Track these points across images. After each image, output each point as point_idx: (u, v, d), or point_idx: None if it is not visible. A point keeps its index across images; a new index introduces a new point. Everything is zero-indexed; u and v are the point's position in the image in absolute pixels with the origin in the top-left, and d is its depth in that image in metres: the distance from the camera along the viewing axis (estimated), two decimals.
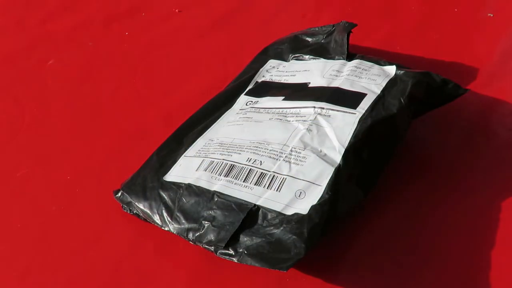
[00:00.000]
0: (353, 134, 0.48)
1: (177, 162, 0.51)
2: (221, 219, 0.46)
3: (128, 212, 0.51)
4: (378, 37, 0.66)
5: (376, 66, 0.55)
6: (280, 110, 0.52)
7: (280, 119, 0.51)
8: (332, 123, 0.49)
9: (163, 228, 0.48)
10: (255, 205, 0.45)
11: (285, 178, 0.46)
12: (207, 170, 0.48)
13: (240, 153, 0.49)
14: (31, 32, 0.71)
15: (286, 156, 0.48)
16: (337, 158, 0.47)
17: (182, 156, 0.51)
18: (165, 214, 0.48)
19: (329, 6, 0.72)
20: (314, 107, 0.51)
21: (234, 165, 0.48)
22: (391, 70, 0.54)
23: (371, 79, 0.53)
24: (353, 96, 0.51)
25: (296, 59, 0.59)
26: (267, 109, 0.53)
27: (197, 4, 0.73)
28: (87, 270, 0.48)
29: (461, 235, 0.48)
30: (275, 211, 0.45)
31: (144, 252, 0.49)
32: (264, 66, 0.59)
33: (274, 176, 0.47)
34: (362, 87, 0.52)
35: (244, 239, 0.44)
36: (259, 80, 0.58)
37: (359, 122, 0.49)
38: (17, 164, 0.56)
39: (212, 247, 0.45)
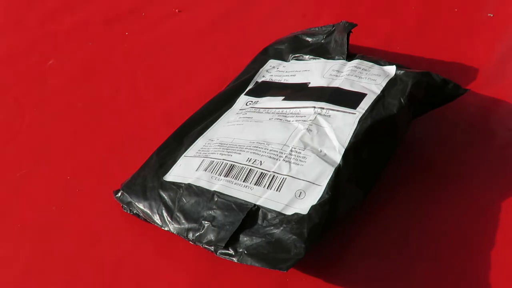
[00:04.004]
0: (353, 134, 0.48)
1: (177, 162, 0.51)
2: (221, 219, 0.46)
3: (128, 212, 0.51)
4: (378, 37, 0.66)
5: (376, 66, 0.55)
6: (280, 110, 0.52)
7: (280, 119, 0.51)
8: (332, 123, 0.49)
9: (163, 228, 0.48)
10: (255, 205, 0.45)
11: (285, 178, 0.46)
12: (207, 170, 0.48)
13: (240, 153, 0.49)
14: (31, 32, 0.71)
15: (286, 156, 0.48)
16: (337, 158, 0.47)
17: (182, 156, 0.51)
18: (165, 214, 0.48)
19: (329, 6, 0.72)
20: (314, 107, 0.51)
21: (234, 165, 0.48)
22: (391, 70, 0.54)
23: (371, 79, 0.53)
24: (353, 96, 0.51)
25: (296, 59, 0.59)
26: (267, 109, 0.53)
27: (197, 4, 0.73)
28: (87, 270, 0.48)
29: (462, 235, 0.48)
30: (275, 211, 0.45)
31: (144, 252, 0.49)
32: (264, 66, 0.59)
33: (274, 176, 0.47)
34: (362, 87, 0.52)
35: (244, 239, 0.44)
36: (259, 80, 0.58)
37: (359, 122, 0.49)
38: (17, 164, 0.56)
39: (212, 247, 0.45)
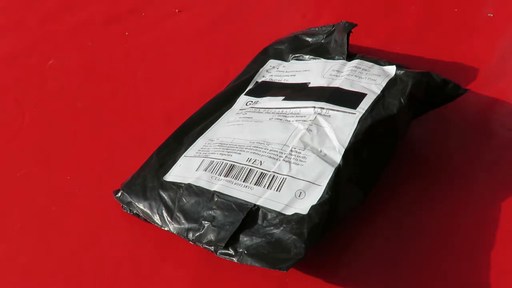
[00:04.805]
0: (353, 134, 0.48)
1: (177, 162, 0.51)
2: (221, 219, 0.46)
3: (128, 212, 0.51)
4: (378, 37, 0.66)
5: (376, 66, 0.55)
6: (280, 110, 0.52)
7: (280, 119, 0.51)
8: (332, 123, 0.49)
9: (163, 228, 0.48)
10: (255, 205, 0.45)
11: (285, 178, 0.46)
12: (207, 170, 0.48)
13: (240, 153, 0.49)
14: (31, 32, 0.71)
15: (286, 156, 0.48)
16: (337, 158, 0.47)
17: (182, 156, 0.51)
18: (165, 214, 0.48)
19: (329, 6, 0.72)
20: (314, 107, 0.51)
21: (234, 165, 0.48)
22: (391, 70, 0.54)
23: (371, 79, 0.53)
24: (353, 96, 0.51)
25: (296, 59, 0.59)
26: (267, 109, 0.53)
27: (197, 4, 0.73)
28: (87, 270, 0.48)
29: (461, 235, 0.48)
30: (275, 211, 0.45)
31: (144, 252, 0.49)
32: (264, 66, 0.59)
33: (274, 176, 0.47)
34: (362, 87, 0.52)
35: (244, 239, 0.44)
36: (259, 80, 0.58)
37: (359, 122, 0.49)
38: (17, 164, 0.56)
39: (212, 247, 0.45)
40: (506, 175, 0.51)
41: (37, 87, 0.64)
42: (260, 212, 0.45)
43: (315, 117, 0.50)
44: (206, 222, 0.46)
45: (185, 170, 0.50)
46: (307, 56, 0.59)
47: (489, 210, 0.49)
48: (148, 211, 0.48)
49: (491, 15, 0.67)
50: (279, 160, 0.48)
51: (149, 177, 0.50)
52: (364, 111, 0.50)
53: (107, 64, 0.66)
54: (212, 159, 0.49)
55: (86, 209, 0.52)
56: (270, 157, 0.48)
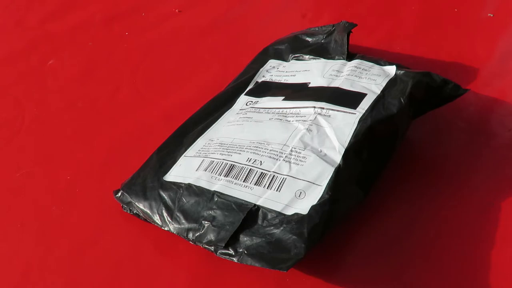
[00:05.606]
0: (353, 134, 0.48)
1: (177, 162, 0.51)
2: (221, 219, 0.46)
3: (128, 212, 0.51)
4: (378, 37, 0.66)
5: (376, 66, 0.55)
6: (280, 110, 0.52)
7: (280, 119, 0.51)
8: (332, 123, 0.49)
9: (163, 228, 0.48)
10: (255, 205, 0.45)
11: (285, 178, 0.46)
12: (207, 170, 0.48)
13: (240, 153, 0.49)
14: (31, 32, 0.71)
15: (286, 156, 0.48)
16: (337, 158, 0.47)
17: (182, 156, 0.51)
18: (165, 214, 0.48)
19: (329, 6, 0.72)
20: (314, 107, 0.51)
21: (234, 165, 0.48)
22: (391, 70, 0.54)
23: (371, 79, 0.53)
24: (353, 96, 0.51)
25: (296, 59, 0.59)
26: (267, 109, 0.53)
27: (197, 4, 0.73)
28: (87, 270, 0.48)
29: (461, 235, 0.48)
30: (275, 211, 0.45)
31: (144, 252, 0.49)
32: (264, 66, 0.59)
33: (274, 176, 0.47)
34: (362, 87, 0.52)
35: (244, 239, 0.44)
36: (259, 80, 0.58)
37: (359, 122, 0.49)
38: (17, 164, 0.56)
39: (212, 247, 0.45)
40: (506, 175, 0.51)
41: (37, 87, 0.64)
42: (260, 212, 0.45)
43: (315, 117, 0.50)
44: (206, 222, 0.46)
45: (185, 170, 0.50)
46: (307, 56, 0.59)
47: (489, 210, 0.49)
48: (148, 211, 0.48)
49: (491, 15, 0.67)
50: (279, 160, 0.48)
51: (149, 177, 0.50)
52: (364, 111, 0.50)
53: (107, 64, 0.66)
54: (212, 159, 0.49)
55: (86, 209, 0.52)
56: (270, 157, 0.48)
